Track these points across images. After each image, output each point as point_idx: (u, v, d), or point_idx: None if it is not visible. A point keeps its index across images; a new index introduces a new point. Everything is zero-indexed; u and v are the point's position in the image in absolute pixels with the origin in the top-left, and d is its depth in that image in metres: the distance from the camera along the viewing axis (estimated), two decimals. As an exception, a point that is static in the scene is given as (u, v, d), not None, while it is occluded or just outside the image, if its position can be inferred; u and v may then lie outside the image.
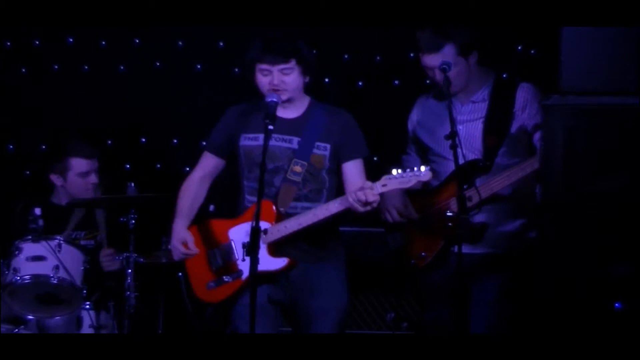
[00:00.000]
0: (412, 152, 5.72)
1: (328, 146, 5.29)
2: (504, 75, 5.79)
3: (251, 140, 5.31)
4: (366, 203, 5.07)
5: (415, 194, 5.49)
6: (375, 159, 6.62)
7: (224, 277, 5.31)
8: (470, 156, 5.38)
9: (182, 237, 5.33)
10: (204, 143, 5.50)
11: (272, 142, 5.16)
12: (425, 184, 5.41)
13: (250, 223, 5.03)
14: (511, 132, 5.46)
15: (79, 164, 6.40)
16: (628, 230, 4.40)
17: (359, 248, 6.32)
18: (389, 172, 5.11)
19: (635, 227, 4.39)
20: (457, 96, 5.50)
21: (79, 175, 6.40)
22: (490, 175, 5.38)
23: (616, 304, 4.42)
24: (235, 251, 5.32)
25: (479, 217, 5.35)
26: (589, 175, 4.46)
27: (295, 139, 5.27)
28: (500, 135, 5.46)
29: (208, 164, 5.43)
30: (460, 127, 5.36)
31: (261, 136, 5.20)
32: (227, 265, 5.32)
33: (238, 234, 5.31)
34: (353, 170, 5.29)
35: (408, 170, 5.11)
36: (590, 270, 4.45)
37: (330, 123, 5.30)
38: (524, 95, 5.48)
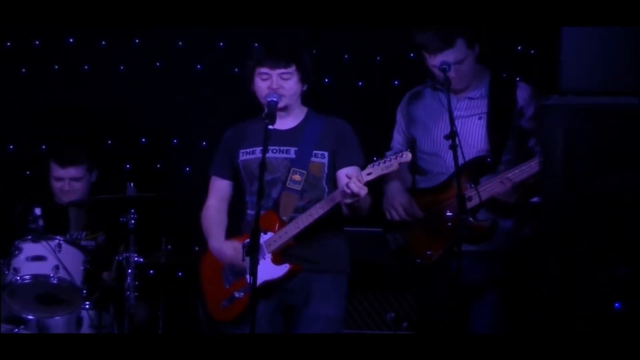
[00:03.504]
0: (397, 146, 5.63)
1: (326, 154, 5.27)
2: (504, 75, 5.74)
3: (248, 155, 5.30)
4: (354, 194, 5.00)
5: (419, 193, 5.45)
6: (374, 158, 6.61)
7: (235, 294, 5.28)
8: (466, 152, 5.34)
9: (232, 246, 5.24)
10: (210, 169, 5.44)
11: (268, 155, 5.10)
12: (427, 183, 5.45)
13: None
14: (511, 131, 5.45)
15: (53, 169, 6.46)
16: (628, 230, 4.40)
17: (359, 248, 6.32)
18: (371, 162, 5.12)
19: (635, 227, 4.38)
20: (452, 91, 5.45)
21: (54, 179, 6.45)
22: (494, 174, 5.34)
23: (616, 304, 4.42)
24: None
25: (482, 215, 5.34)
26: (589, 175, 4.45)
27: (292, 149, 5.25)
28: (504, 133, 5.41)
29: (219, 188, 5.40)
30: (456, 123, 5.34)
31: (258, 149, 5.21)
32: (238, 281, 5.28)
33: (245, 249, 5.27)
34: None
35: (387, 155, 5.18)
36: (590, 271, 4.45)
37: (326, 131, 5.29)
38: (523, 95, 5.43)
